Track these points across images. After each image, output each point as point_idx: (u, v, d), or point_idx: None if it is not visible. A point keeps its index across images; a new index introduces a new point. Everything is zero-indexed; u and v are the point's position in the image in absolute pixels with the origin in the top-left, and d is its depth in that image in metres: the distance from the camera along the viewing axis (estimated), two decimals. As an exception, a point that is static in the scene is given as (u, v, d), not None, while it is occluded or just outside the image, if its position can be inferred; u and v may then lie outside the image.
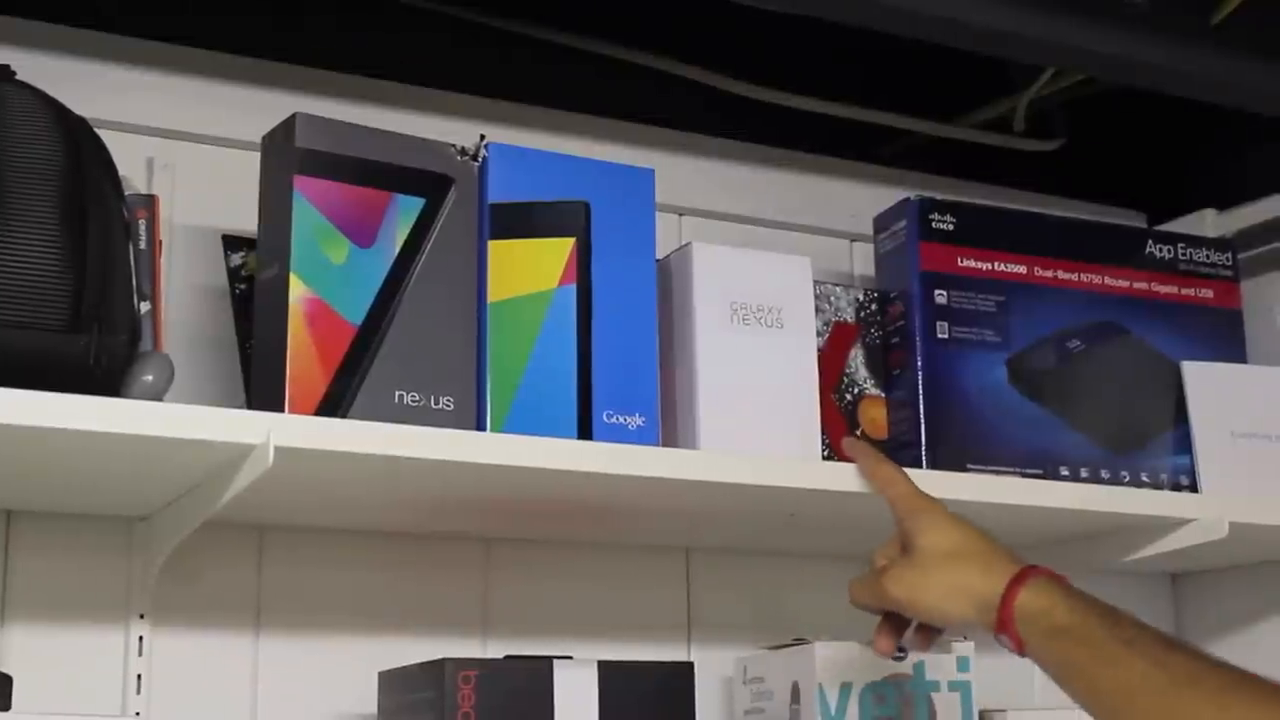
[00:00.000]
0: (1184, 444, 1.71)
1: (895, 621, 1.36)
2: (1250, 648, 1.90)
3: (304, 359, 1.31)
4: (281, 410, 1.29)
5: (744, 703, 1.60)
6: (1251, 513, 1.65)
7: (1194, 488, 1.69)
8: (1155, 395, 1.72)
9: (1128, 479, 1.67)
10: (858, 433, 1.62)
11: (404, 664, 1.41)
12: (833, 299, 1.64)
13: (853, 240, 1.88)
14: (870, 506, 1.51)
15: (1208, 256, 1.80)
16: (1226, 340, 1.79)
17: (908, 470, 1.55)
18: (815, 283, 1.59)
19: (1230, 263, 1.81)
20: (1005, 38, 1.57)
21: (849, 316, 1.65)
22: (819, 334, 1.60)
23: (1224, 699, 1.12)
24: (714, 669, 1.67)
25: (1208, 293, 1.79)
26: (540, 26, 1.73)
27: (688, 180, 1.79)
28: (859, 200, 1.84)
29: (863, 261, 1.84)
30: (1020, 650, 1.25)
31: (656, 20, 1.80)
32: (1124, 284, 1.74)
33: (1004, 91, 1.95)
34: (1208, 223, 1.96)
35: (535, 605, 1.65)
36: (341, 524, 1.55)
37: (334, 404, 1.31)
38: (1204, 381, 1.73)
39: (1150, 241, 1.78)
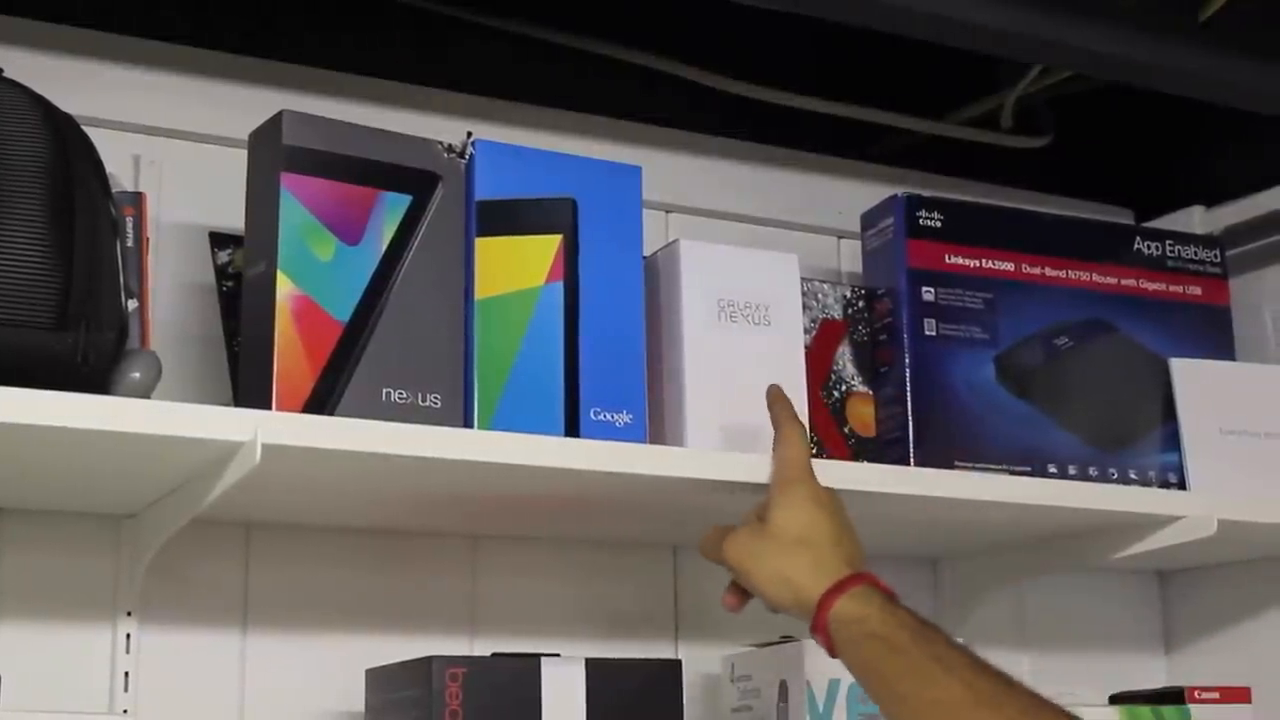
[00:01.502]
0: (1172, 441, 1.71)
1: None
2: (1238, 645, 1.90)
3: (291, 356, 1.30)
4: (269, 408, 1.29)
5: (731, 700, 1.60)
6: (1240, 510, 1.65)
7: (1182, 485, 1.70)
8: (1143, 393, 1.73)
9: (1116, 476, 1.68)
10: (845, 430, 1.62)
11: (391, 661, 1.41)
12: (820, 296, 1.65)
13: (840, 237, 1.88)
14: (856, 504, 1.51)
15: (1196, 253, 1.81)
16: (1215, 337, 1.79)
17: (896, 467, 1.56)
18: (803, 280, 1.59)
19: (1218, 260, 1.82)
20: (992, 35, 1.57)
21: (836, 314, 1.65)
22: (806, 331, 1.60)
23: None
24: (701, 667, 1.67)
25: (1196, 290, 1.79)
26: (528, 24, 1.73)
27: (675, 177, 1.79)
28: (847, 197, 1.84)
29: (850, 259, 1.84)
30: (832, 653, 1.27)
31: (645, 17, 1.80)
32: (1112, 281, 1.75)
33: (991, 89, 1.95)
34: (1196, 220, 1.97)
35: (523, 602, 1.65)
36: (329, 521, 1.55)
37: (321, 401, 1.31)
38: (1192, 379, 1.73)
39: (1138, 238, 1.79)
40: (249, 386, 1.34)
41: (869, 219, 1.71)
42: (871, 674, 1.24)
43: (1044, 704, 1.16)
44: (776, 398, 1.42)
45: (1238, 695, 1.66)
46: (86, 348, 1.23)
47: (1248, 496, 1.68)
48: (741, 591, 1.37)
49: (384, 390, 1.33)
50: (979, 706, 1.16)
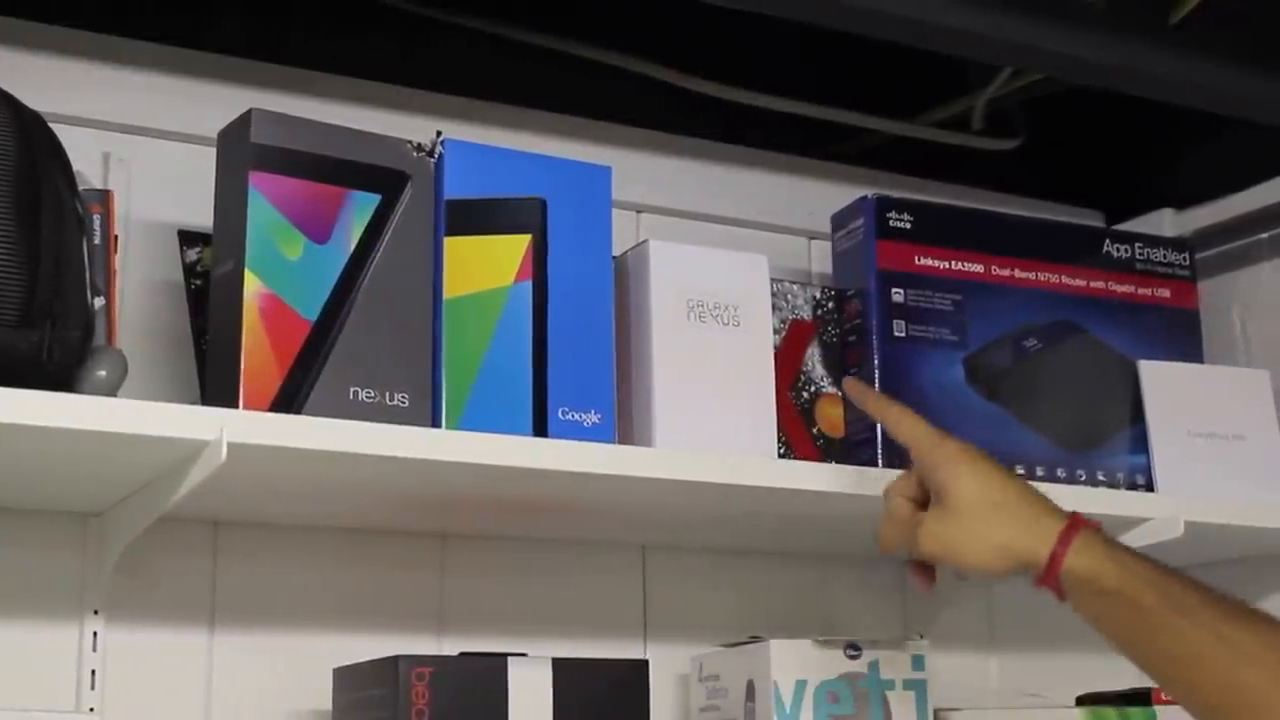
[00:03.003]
0: (1140, 443, 1.72)
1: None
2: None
3: (258, 355, 1.30)
4: (235, 406, 1.28)
5: (699, 700, 1.60)
6: (1207, 512, 1.65)
7: (1150, 487, 1.70)
8: (1112, 394, 1.73)
9: (1084, 478, 1.68)
10: (814, 431, 1.62)
11: (359, 660, 1.41)
12: (790, 297, 1.65)
13: (811, 238, 1.88)
14: (824, 505, 1.52)
15: (1165, 256, 1.81)
16: (1183, 340, 1.80)
17: (864, 469, 1.57)
18: (772, 281, 1.59)
19: (1187, 262, 1.82)
20: (962, 37, 1.58)
21: (806, 315, 1.65)
22: (776, 332, 1.60)
23: None
24: (670, 666, 1.67)
25: (1165, 292, 1.80)
26: (497, 23, 1.73)
27: (646, 178, 1.79)
28: (817, 198, 1.84)
29: (821, 260, 1.84)
30: (1061, 600, 1.24)
31: (616, 17, 1.79)
32: (1081, 283, 1.75)
33: (962, 91, 1.95)
34: (1166, 222, 1.97)
35: (491, 602, 1.64)
36: (297, 520, 1.55)
37: (288, 400, 1.30)
38: (1161, 381, 1.74)
39: (1107, 241, 1.79)
40: (216, 385, 1.34)
41: (839, 220, 1.71)
42: (1116, 630, 1.22)
43: None
44: (855, 388, 1.43)
45: (1204, 696, 1.66)
46: (52, 345, 1.23)
47: (1215, 498, 1.68)
48: (929, 570, 1.34)
49: (352, 389, 1.33)
50: (1239, 661, 1.13)
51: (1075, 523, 1.25)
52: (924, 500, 1.33)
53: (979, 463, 1.30)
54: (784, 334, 1.63)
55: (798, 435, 1.61)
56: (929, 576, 1.34)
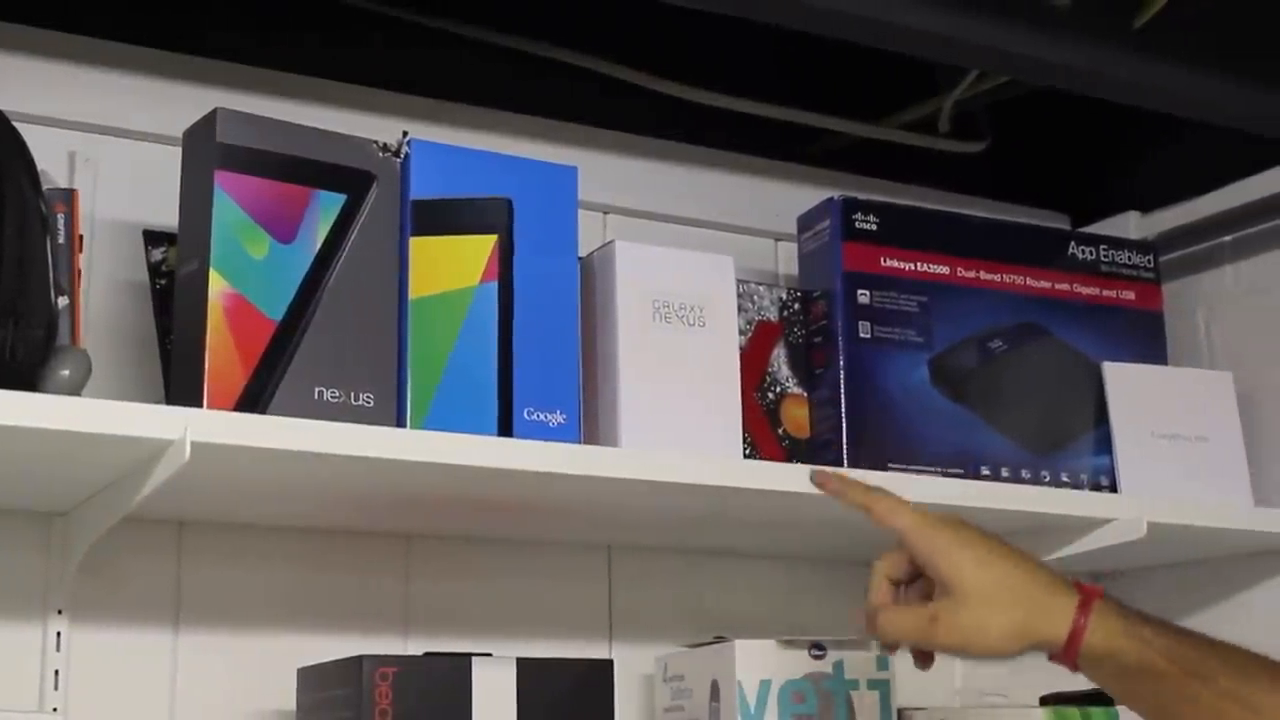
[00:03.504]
0: (1104, 444, 1.73)
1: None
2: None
3: (223, 355, 1.30)
4: (200, 406, 1.28)
5: (664, 700, 1.60)
6: (1170, 513, 1.66)
7: (1113, 488, 1.71)
8: (1076, 396, 1.74)
9: (1048, 479, 1.69)
10: (779, 431, 1.62)
11: (324, 661, 1.41)
12: (756, 298, 1.65)
13: (778, 240, 1.88)
14: (789, 505, 1.52)
15: (1129, 258, 1.82)
16: (1147, 342, 1.81)
17: (830, 469, 1.57)
18: (738, 281, 1.59)
19: (1152, 265, 1.83)
20: (927, 39, 1.58)
21: (772, 315, 1.65)
22: (742, 333, 1.61)
23: None
24: (635, 667, 1.68)
25: (1129, 294, 1.81)
26: (464, 24, 1.73)
27: (613, 179, 1.79)
28: (784, 200, 1.84)
29: (787, 261, 1.84)
30: (1075, 671, 1.23)
31: (583, 19, 1.80)
32: (1046, 285, 1.76)
33: (929, 93, 1.96)
34: (1131, 225, 1.98)
35: (457, 602, 1.64)
36: (262, 520, 1.55)
37: (253, 400, 1.30)
38: (1124, 382, 1.75)
39: (1072, 243, 1.80)
40: (180, 385, 1.34)
41: (805, 221, 1.72)
42: (1134, 698, 1.22)
43: None
44: (827, 478, 1.35)
45: (1166, 696, 1.67)
46: (14, 344, 1.23)
47: (1178, 499, 1.69)
48: (929, 653, 1.29)
49: (316, 389, 1.33)
50: (1244, 712, 1.14)
51: (1087, 597, 1.23)
52: (910, 580, 1.30)
53: (977, 546, 1.26)
54: (750, 335, 1.63)
55: (763, 436, 1.61)
56: (930, 658, 1.30)
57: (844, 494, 1.33)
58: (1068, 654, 1.22)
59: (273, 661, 1.51)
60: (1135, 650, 1.19)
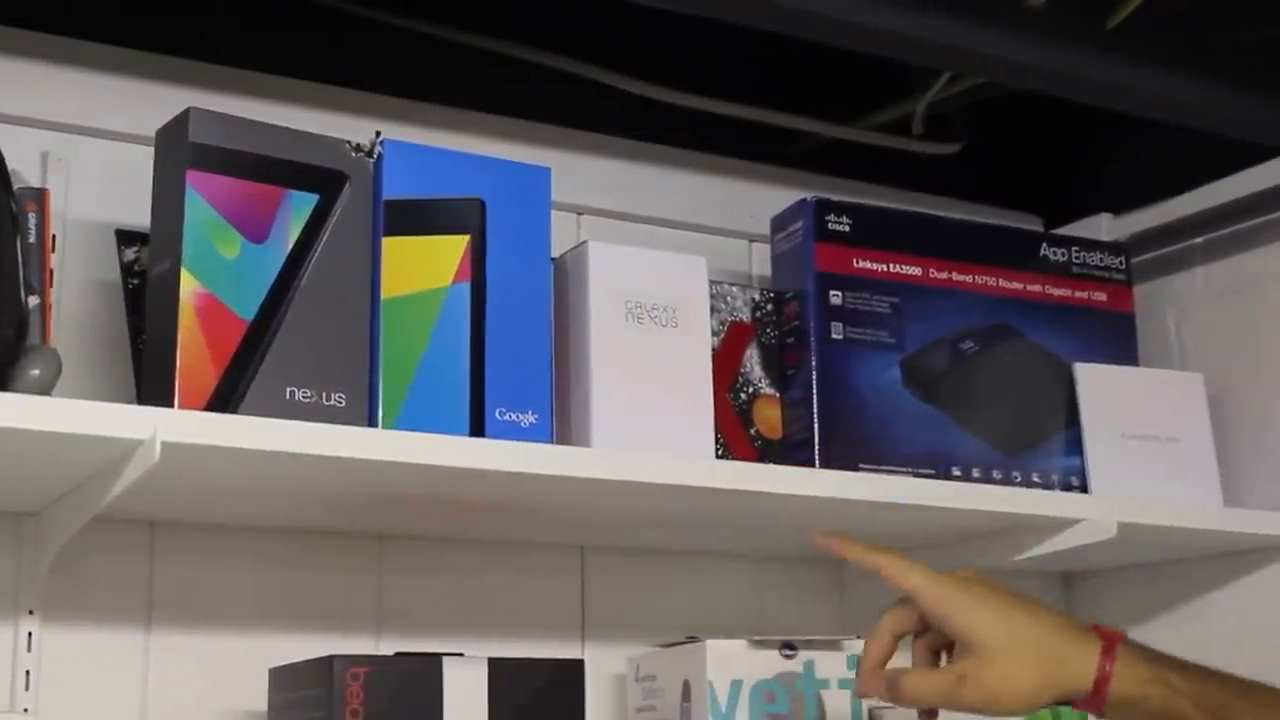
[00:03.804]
0: (1075, 445, 1.73)
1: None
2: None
3: (194, 354, 1.30)
4: (171, 406, 1.28)
5: (636, 700, 1.61)
6: (1140, 513, 1.67)
7: (1084, 488, 1.72)
8: (1047, 397, 1.75)
9: (1019, 479, 1.70)
10: (752, 432, 1.63)
11: (295, 661, 1.41)
12: (729, 299, 1.65)
13: (752, 241, 1.88)
14: (761, 506, 1.52)
15: (1101, 260, 1.83)
16: (1119, 343, 1.82)
17: (801, 469, 1.58)
18: (712, 282, 1.60)
19: (1123, 266, 1.84)
20: (901, 40, 1.58)
21: (745, 316, 1.66)
22: (715, 333, 1.61)
23: None
24: (608, 667, 1.68)
25: (1101, 296, 1.82)
26: (438, 24, 1.73)
27: (588, 180, 1.79)
28: (758, 201, 1.84)
29: (761, 262, 1.84)
30: (1100, 716, 1.23)
31: (558, 19, 1.80)
32: (1018, 286, 1.77)
33: (904, 95, 1.96)
34: (1104, 226, 1.99)
35: (429, 602, 1.65)
36: (234, 520, 1.55)
37: (224, 400, 1.30)
38: (1095, 383, 1.75)
39: (1044, 244, 1.81)
40: (152, 384, 1.34)
41: (778, 222, 1.72)
42: None
43: None
44: (834, 545, 1.33)
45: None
46: (-16, 344, 1.22)
47: (1148, 500, 1.70)
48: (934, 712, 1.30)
49: (288, 389, 1.33)
50: None
51: (1110, 643, 1.23)
52: (919, 632, 1.30)
53: (991, 602, 1.26)
54: (723, 335, 1.64)
55: (735, 436, 1.61)
56: (936, 714, 1.30)
57: (849, 556, 1.33)
58: (1093, 702, 1.22)
59: (245, 662, 1.51)
60: (1160, 695, 1.20)
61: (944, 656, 1.28)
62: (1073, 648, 1.22)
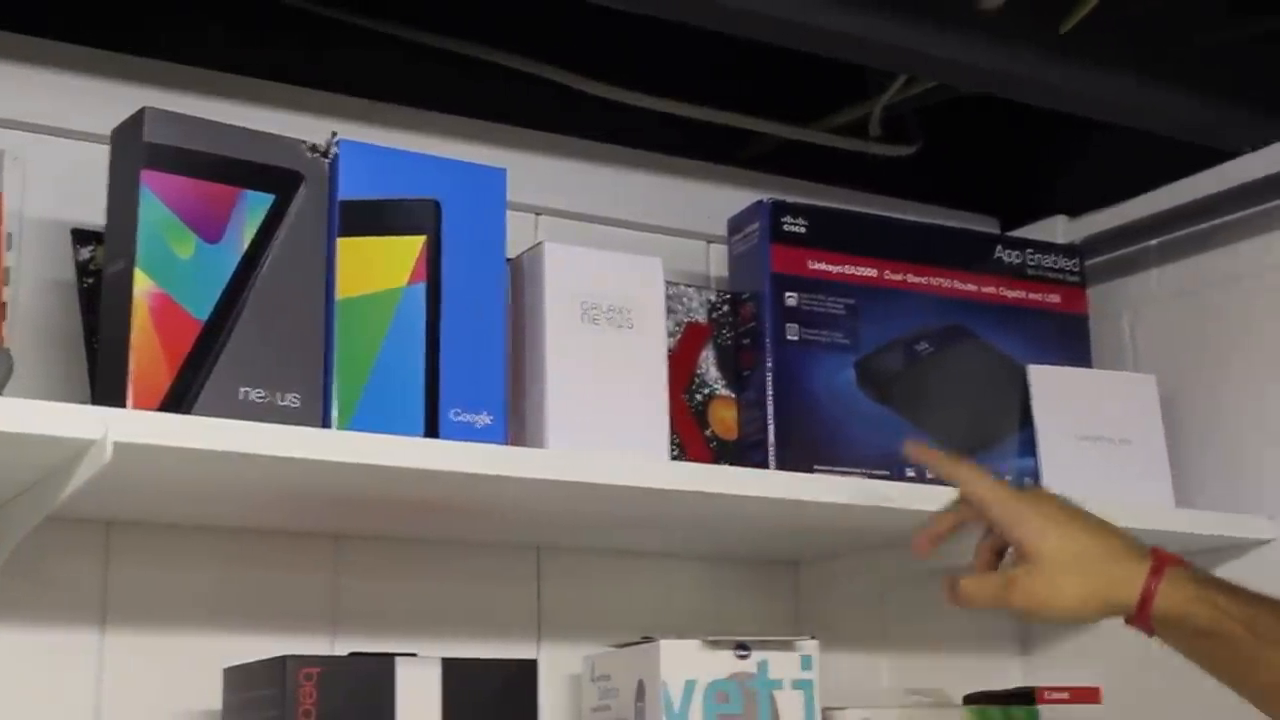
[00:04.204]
0: (1029, 446, 1.74)
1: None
2: (1092, 646, 1.94)
3: (147, 354, 1.30)
4: (124, 406, 1.28)
5: (591, 700, 1.61)
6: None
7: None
8: (1001, 398, 1.76)
9: (973, 480, 1.70)
10: (707, 433, 1.63)
11: (250, 661, 1.41)
12: (685, 300, 1.66)
13: (710, 242, 1.89)
14: (717, 506, 1.53)
15: (1055, 262, 1.84)
16: (1072, 344, 1.83)
17: (756, 470, 1.58)
18: (668, 283, 1.60)
19: (1077, 268, 1.85)
20: (856, 43, 1.60)
21: (701, 317, 1.66)
22: (671, 334, 1.62)
23: None
24: (564, 667, 1.68)
25: (1055, 298, 1.83)
26: (394, 24, 1.73)
27: (546, 180, 1.80)
28: (716, 202, 1.85)
29: (719, 263, 1.85)
30: (1151, 636, 1.28)
31: (515, 20, 1.80)
32: (972, 288, 1.78)
33: (861, 96, 1.97)
34: (1059, 229, 2.01)
35: (385, 603, 1.65)
36: (190, 520, 1.55)
37: (177, 400, 1.30)
38: (1049, 385, 1.77)
39: (999, 247, 1.82)
40: (105, 384, 1.34)
41: (735, 224, 1.73)
42: (1210, 665, 1.26)
43: None
44: (922, 454, 1.46)
45: (1087, 695, 1.69)
46: (-64, 344, 1.22)
47: (1100, 500, 1.69)
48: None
49: (242, 389, 1.33)
50: None
51: (1160, 563, 1.27)
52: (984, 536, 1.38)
53: (1055, 513, 1.33)
54: (679, 336, 1.64)
55: (691, 437, 1.62)
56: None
57: (928, 464, 1.45)
58: (1140, 618, 1.27)
59: (200, 662, 1.51)
60: (1207, 615, 1.24)
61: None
62: (1124, 565, 1.28)
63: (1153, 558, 1.28)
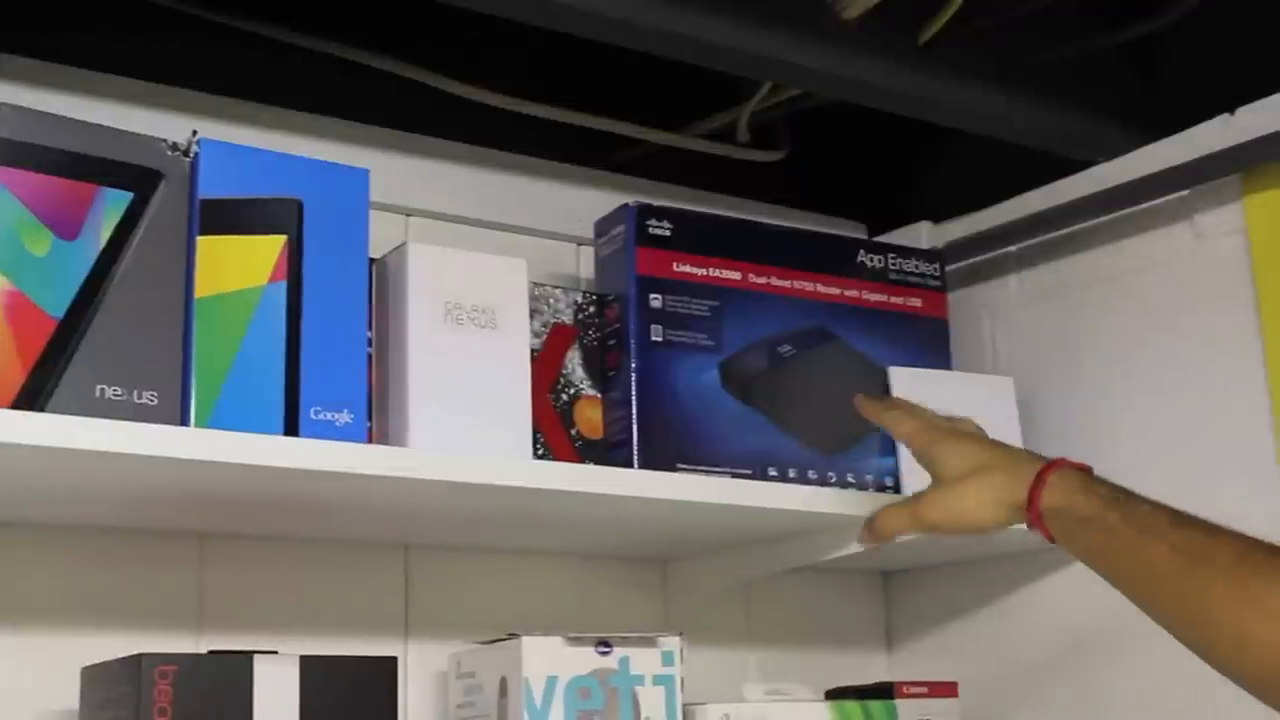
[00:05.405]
0: (889, 446, 1.77)
1: None
2: (954, 642, 1.98)
3: (0, 352, 1.29)
4: (-23, 404, 1.27)
5: (457, 697, 1.62)
6: (954, 513, 1.71)
7: (897, 488, 1.76)
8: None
9: (835, 480, 1.73)
10: (573, 432, 1.65)
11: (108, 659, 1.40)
12: (552, 301, 1.67)
13: (580, 244, 1.90)
14: (581, 505, 1.55)
15: (917, 267, 1.87)
16: (933, 347, 1.86)
17: (620, 469, 1.60)
18: (534, 285, 1.62)
19: (938, 273, 1.89)
20: (716, 50, 1.62)
21: (567, 318, 1.68)
22: (537, 335, 1.63)
23: (1238, 573, 1.16)
24: (431, 665, 1.69)
25: (916, 301, 1.86)
26: (258, 21, 1.72)
27: (416, 182, 1.80)
28: (586, 205, 1.86)
29: (589, 265, 1.86)
30: (1052, 541, 1.33)
31: (382, 20, 1.81)
32: (835, 292, 1.80)
33: (731, 102, 1.99)
34: (923, 235, 2.04)
35: (251, 601, 1.64)
36: (50, 519, 1.54)
37: (31, 398, 1.29)
38: (909, 386, 1.79)
39: (862, 251, 1.85)
40: (-41, 382, 1.33)
41: (601, 227, 1.75)
42: (1090, 555, 1.30)
43: (1254, 545, 1.18)
44: (863, 404, 1.58)
45: (945, 690, 1.72)
46: None
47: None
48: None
49: (98, 387, 1.33)
50: (1194, 565, 1.19)
51: (1053, 464, 1.34)
52: None
53: (962, 438, 1.43)
54: (545, 337, 1.65)
55: (556, 436, 1.63)
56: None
57: (867, 411, 1.56)
58: (1032, 514, 1.33)
59: (62, 662, 1.49)
60: (1086, 503, 1.29)
61: None
62: (1018, 466, 1.36)
63: (1049, 462, 1.35)
